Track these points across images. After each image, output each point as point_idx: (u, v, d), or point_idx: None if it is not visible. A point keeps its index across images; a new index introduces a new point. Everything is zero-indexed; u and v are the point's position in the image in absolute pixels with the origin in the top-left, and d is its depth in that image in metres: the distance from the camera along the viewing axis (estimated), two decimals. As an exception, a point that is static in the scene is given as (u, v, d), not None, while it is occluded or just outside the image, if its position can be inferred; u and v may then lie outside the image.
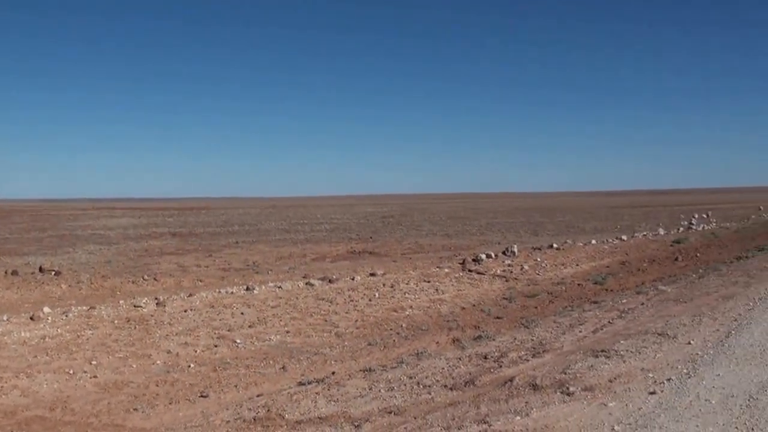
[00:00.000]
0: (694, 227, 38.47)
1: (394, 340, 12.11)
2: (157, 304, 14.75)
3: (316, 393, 8.17)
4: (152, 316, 13.67)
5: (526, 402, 6.47)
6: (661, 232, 35.09)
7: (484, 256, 23.39)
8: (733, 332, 8.89)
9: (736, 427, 5.49)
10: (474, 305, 15.26)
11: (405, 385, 8.03)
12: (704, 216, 53.75)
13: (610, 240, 30.56)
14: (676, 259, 22.14)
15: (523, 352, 9.07)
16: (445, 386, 7.72)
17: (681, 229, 37.76)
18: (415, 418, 6.54)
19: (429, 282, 18.33)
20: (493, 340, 10.59)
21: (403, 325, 13.23)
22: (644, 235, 33.66)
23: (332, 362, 10.79)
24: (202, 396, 9.24)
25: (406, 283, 18.01)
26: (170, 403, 8.96)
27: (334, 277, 18.91)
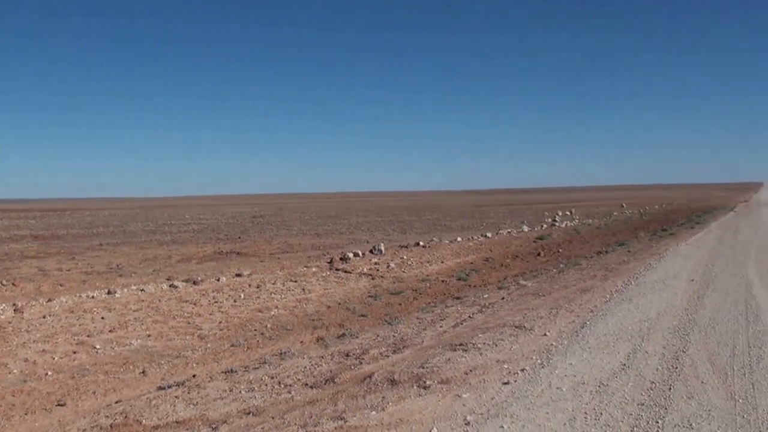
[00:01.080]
0: (557, 224, 40.17)
1: (258, 341, 11.96)
2: (14, 310, 14.03)
3: (176, 397, 7.98)
4: (9, 323, 12.96)
5: (383, 397, 6.55)
6: (525, 229, 36.45)
7: (351, 255, 23.54)
8: (588, 323, 9.37)
9: (585, 413, 5.77)
10: (340, 304, 15.29)
11: (266, 385, 7.97)
12: (568, 213, 56.18)
13: (476, 237, 31.44)
14: (539, 254, 23.04)
15: (384, 349, 9.17)
16: (306, 385, 7.71)
17: (545, 226, 39.35)
18: (273, 417, 6.48)
19: (296, 282, 18.27)
20: (357, 337, 10.66)
21: (268, 326, 13.10)
22: (509, 232, 34.86)
23: (194, 365, 10.55)
24: (59, 405, 8.83)
25: (273, 283, 17.87)
26: (26, 414, 8.51)
27: (200, 278, 18.51)
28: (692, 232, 27.72)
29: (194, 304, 14.92)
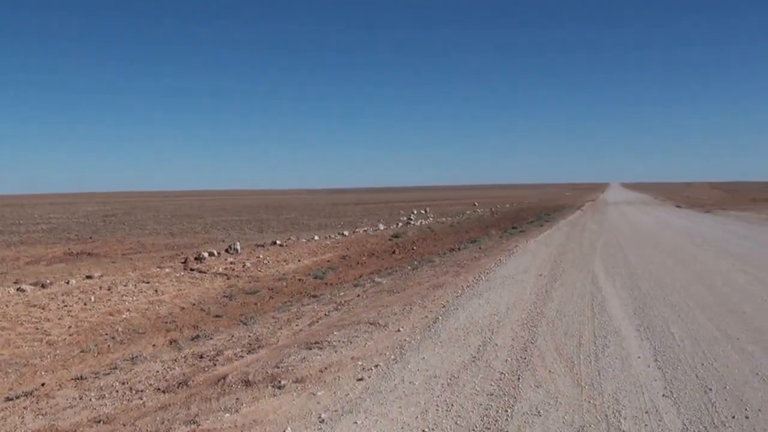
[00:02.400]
0: (412, 222, 40.96)
1: (108, 346, 11.54)
2: None
3: (24, 408, 7.58)
4: None
5: (237, 398, 6.49)
6: (382, 227, 36.97)
7: (207, 255, 23.10)
8: (440, 318, 9.63)
9: (437, 405, 5.94)
10: (194, 305, 15.00)
11: (117, 391, 7.71)
12: (423, 212, 57.40)
13: (333, 236, 31.59)
14: (394, 252, 23.44)
15: (239, 349, 9.07)
16: (158, 389, 7.51)
17: (400, 224, 40.03)
18: (124, 425, 6.28)
19: (149, 283, 17.75)
20: (211, 339, 10.49)
21: (120, 329, 12.67)
22: (365, 230, 35.25)
23: (43, 373, 10.04)
24: None
25: (125, 285, 17.28)
26: None
27: (48, 281, 17.61)
28: (541, 229, 28.94)
29: (43, 309, 14.24)
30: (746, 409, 5.79)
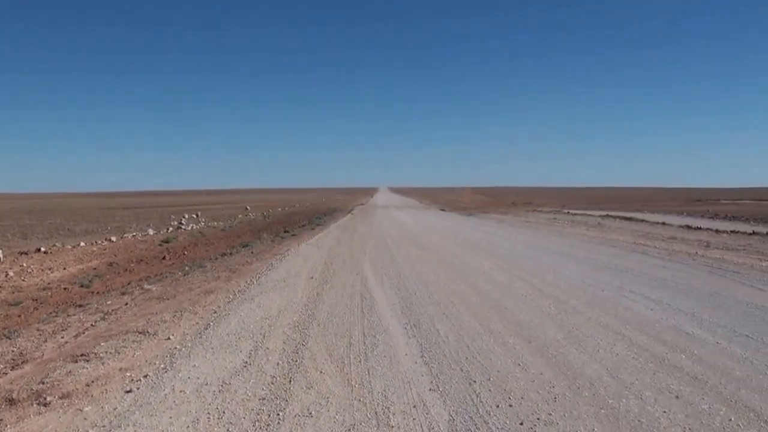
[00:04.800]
0: (183, 227, 39.96)
1: None
2: None
3: None
4: None
5: (1, 419, 6.02)
6: (151, 232, 35.72)
7: (-40, 265, 21.13)
8: (212, 324, 9.50)
9: (209, 413, 5.85)
10: (-56, 321, 13.69)
11: None
12: (194, 216, 56.11)
13: (100, 242, 30.08)
14: (164, 258, 22.73)
15: (2, 366, 8.40)
16: None
17: (171, 229, 38.91)
18: None
19: None
20: (-33, 357, 9.62)
21: None
22: (134, 235, 33.88)
23: None
24: None
25: None
26: None
27: None
28: (313, 233, 29.34)
29: None
30: (510, 398, 6.20)
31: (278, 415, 5.82)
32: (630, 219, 37.63)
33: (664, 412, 5.76)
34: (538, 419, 5.65)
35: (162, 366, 7.34)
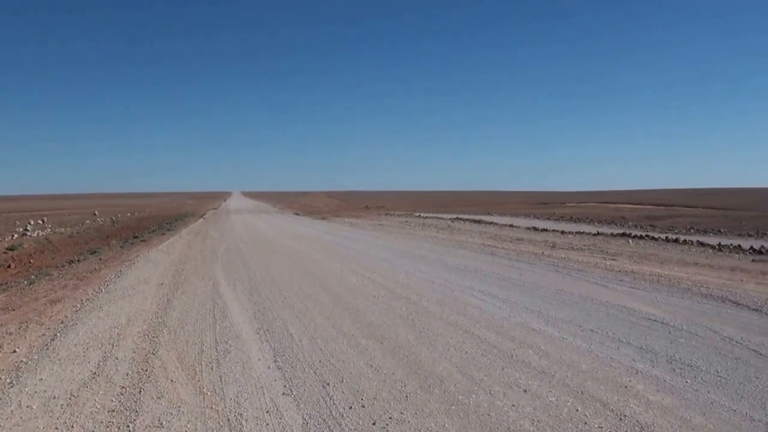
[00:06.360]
0: (29, 233, 37.90)
1: None
2: None
3: None
4: None
5: None
6: (-6, 239, 33.67)
7: None
8: (59, 335, 9.10)
9: (56, 428, 5.63)
10: None
11: None
12: (40, 222, 53.31)
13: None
14: (9, 266, 21.49)
15: None
16: None
17: (16, 235, 36.81)
18: None
19: None
20: None
21: None
22: (-27, 243, 31.82)
23: None
24: None
25: None
26: None
27: None
28: (163, 238, 28.56)
29: None
30: (362, 399, 6.29)
31: (128, 427, 5.66)
32: (479, 221, 38.99)
33: (513, 405, 6.04)
34: (390, 418, 5.78)
35: (8, 381, 6.96)
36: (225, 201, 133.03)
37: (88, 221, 54.04)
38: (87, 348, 8.35)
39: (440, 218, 44.49)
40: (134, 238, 29.56)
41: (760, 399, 6.18)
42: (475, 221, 39.42)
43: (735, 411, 5.88)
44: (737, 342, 8.33)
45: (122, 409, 6.10)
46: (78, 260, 20.62)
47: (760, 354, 7.76)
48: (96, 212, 73.55)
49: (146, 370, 7.33)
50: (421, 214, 52.44)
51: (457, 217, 44.37)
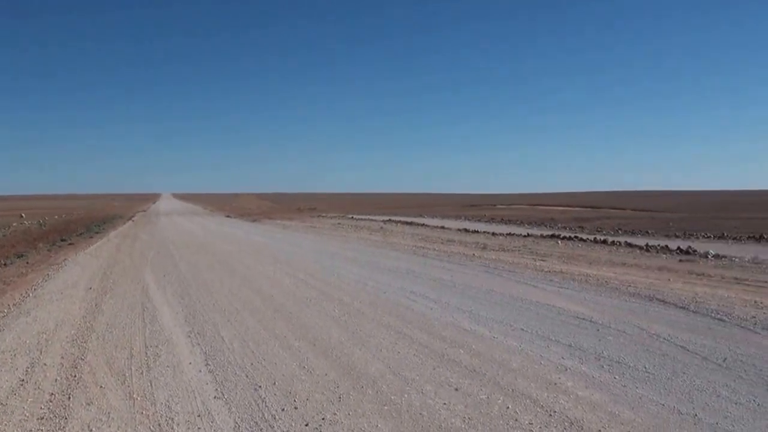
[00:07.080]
0: (-51, 237, 36.56)
1: None
2: None
3: None
4: None
5: None
6: None
7: None
8: (-17, 342, 8.80)
9: (-19, 437, 5.45)
10: None
11: None
12: (-38, 225, 51.51)
13: None
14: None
15: None
16: None
17: (-65, 239, 35.47)
18: None
19: None
20: None
21: None
22: None
23: None
24: None
25: None
26: None
27: None
28: (91, 241, 27.93)
29: None
30: (295, 401, 6.24)
31: (56, 433, 5.54)
32: (411, 223, 39.27)
33: (445, 404, 6.10)
34: (323, 419, 5.76)
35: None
36: (154, 203, 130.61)
37: (14, 224, 52.32)
38: (14, 354, 8.11)
39: (373, 220, 44.67)
40: (62, 241, 28.76)
41: (687, 393, 6.38)
42: (407, 223, 39.69)
43: (663, 405, 6.05)
44: (664, 339, 8.60)
45: (51, 416, 5.94)
46: (4, 264, 19.96)
47: (687, 350, 8.02)
48: (23, 214, 71.34)
49: (75, 376, 7.15)
50: (354, 216, 52.56)
51: (390, 219, 44.63)
